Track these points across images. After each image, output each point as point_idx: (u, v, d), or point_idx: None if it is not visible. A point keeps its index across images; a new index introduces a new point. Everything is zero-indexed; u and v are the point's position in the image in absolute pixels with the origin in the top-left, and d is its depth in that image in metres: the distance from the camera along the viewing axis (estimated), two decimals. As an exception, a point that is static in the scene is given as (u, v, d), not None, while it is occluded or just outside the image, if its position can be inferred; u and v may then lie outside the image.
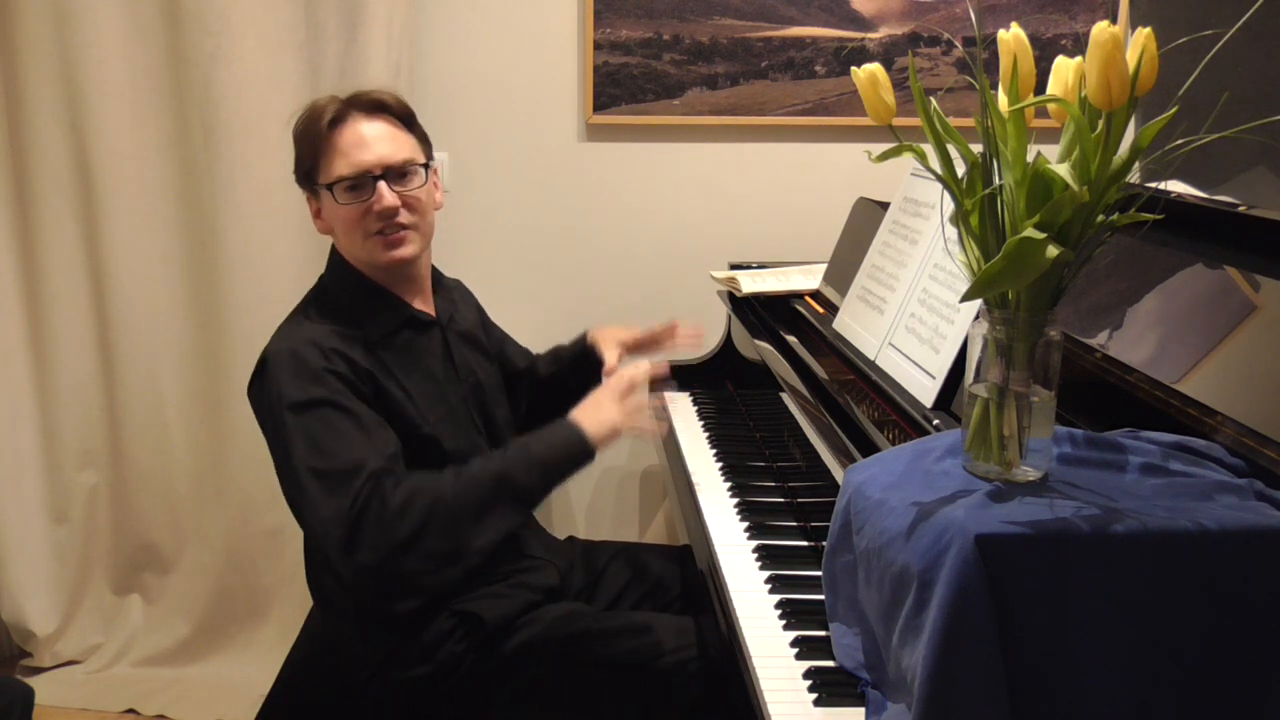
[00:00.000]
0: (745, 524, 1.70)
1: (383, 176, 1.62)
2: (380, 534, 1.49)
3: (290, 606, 2.64)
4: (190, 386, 2.65)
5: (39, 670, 2.66)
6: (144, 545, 2.74)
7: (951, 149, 1.08)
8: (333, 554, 1.50)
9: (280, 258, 2.55)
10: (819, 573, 1.31)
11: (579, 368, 1.98)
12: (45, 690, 2.49)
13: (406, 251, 1.66)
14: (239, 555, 2.69)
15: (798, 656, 1.34)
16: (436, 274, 1.84)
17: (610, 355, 1.90)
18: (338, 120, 1.64)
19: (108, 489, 2.71)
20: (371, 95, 1.66)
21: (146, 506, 2.71)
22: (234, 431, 2.63)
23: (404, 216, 1.64)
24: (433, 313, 1.79)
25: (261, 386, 1.61)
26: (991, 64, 1.17)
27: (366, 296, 1.68)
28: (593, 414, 1.59)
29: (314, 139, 1.63)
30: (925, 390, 1.49)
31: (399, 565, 1.50)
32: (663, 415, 1.61)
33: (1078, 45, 1.02)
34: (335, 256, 1.73)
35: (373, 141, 1.63)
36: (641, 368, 1.68)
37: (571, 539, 2.06)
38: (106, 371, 2.64)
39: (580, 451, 1.57)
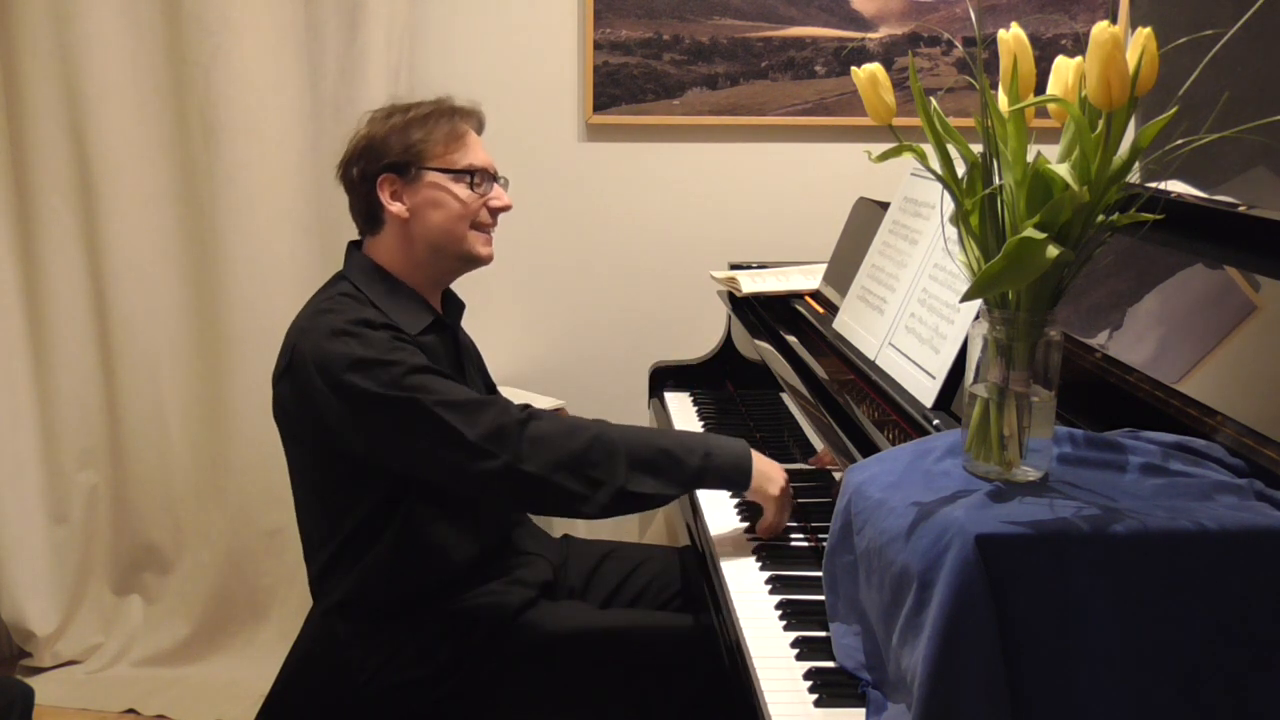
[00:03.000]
0: (745, 524, 1.70)
1: (496, 179, 1.74)
2: (550, 445, 1.54)
3: (290, 607, 2.64)
4: (190, 386, 2.65)
5: (39, 670, 2.66)
6: (144, 545, 2.74)
7: (951, 149, 1.08)
8: (500, 464, 1.53)
9: (280, 257, 2.55)
10: (819, 573, 1.31)
11: None
12: (45, 690, 2.49)
13: (491, 252, 1.76)
14: (239, 555, 2.69)
15: (798, 657, 1.33)
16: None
17: None
18: (464, 120, 1.72)
19: (108, 489, 2.71)
20: (476, 108, 1.76)
21: (146, 506, 2.71)
22: (234, 431, 2.63)
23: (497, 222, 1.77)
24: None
25: (308, 370, 1.57)
26: (991, 64, 1.17)
27: (398, 296, 1.70)
28: (765, 467, 1.63)
29: (444, 125, 1.69)
30: (925, 390, 1.49)
31: (559, 481, 1.53)
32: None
33: (1078, 45, 1.02)
34: (362, 259, 1.72)
35: (484, 149, 1.74)
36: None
37: (566, 536, 2.06)
38: (106, 371, 2.64)
39: (741, 474, 1.61)
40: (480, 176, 1.70)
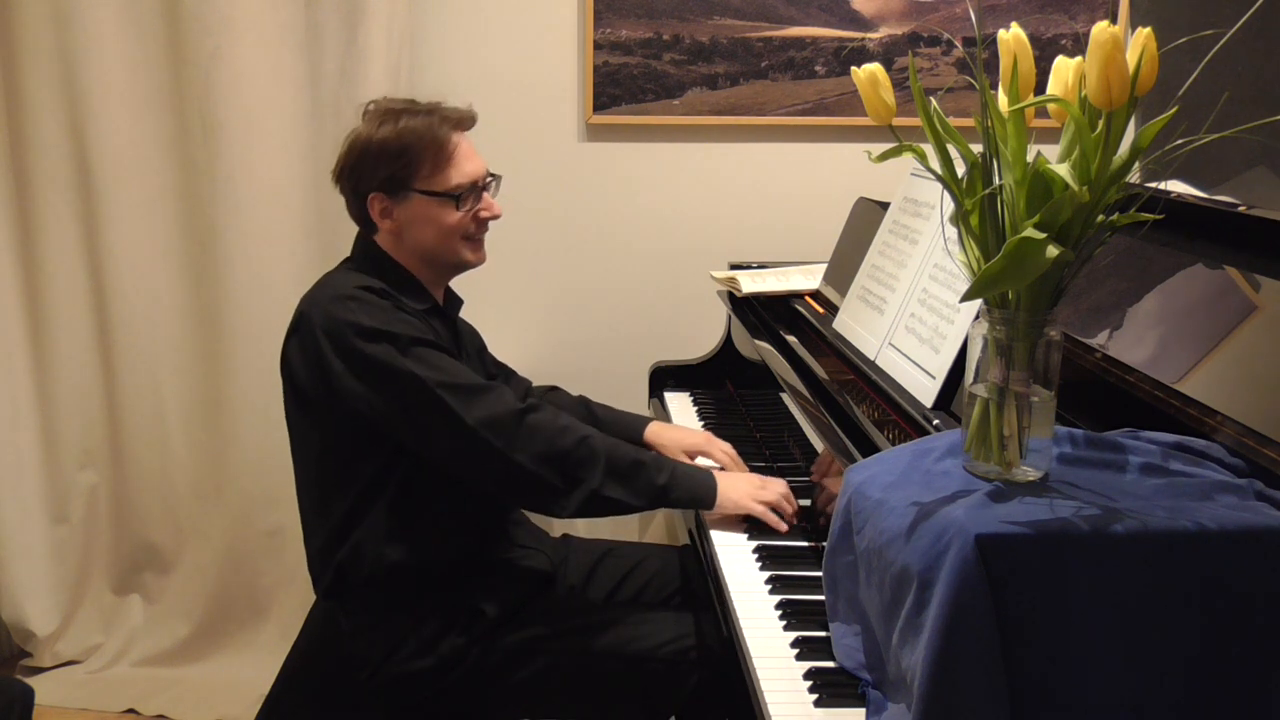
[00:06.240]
0: (745, 524, 1.70)
1: (484, 187, 1.75)
2: (545, 439, 1.61)
3: (290, 606, 2.64)
4: (190, 386, 2.65)
5: (39, 670, 2.66)
6: (144, 545, 2.74)
7: (951, 149, 1.08)
8: (492, 451, 1.59)
9: (280, 257, 2.55)
10: (819, 573, 1.31)
11: None
12: (45, 690, 2.49)
13: (483, 256, 1.78)
14: (239, 555, 2.69)
15: (798, 657, 1.34)
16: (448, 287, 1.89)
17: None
18: (454, 130, 1.72)
19: (108, 489, 2.71)
20: (467, 112, 1.75)
21: (146, 506, 2.71)
22: (234, 431, 2.63)
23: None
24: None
25: (315, 333, 1.63)
26: (991, 64, 1.17)
27: (400, 278, 1.74)
28: (730, 486, 1.69)
29: (430, 146, 1.68)
30: (925, 390, 1.49)
31: (543, 474, 1.60)
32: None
33: (1078, 45, 1.03)
34: (371, 248, 1.75)
35: (475, 154, 1.75)
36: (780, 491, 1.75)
37: (566, 536, 2.06)
38: (106, 371, 2.64)
39: (704, 500, 1.68)
40: (468, 193, 1.71)
